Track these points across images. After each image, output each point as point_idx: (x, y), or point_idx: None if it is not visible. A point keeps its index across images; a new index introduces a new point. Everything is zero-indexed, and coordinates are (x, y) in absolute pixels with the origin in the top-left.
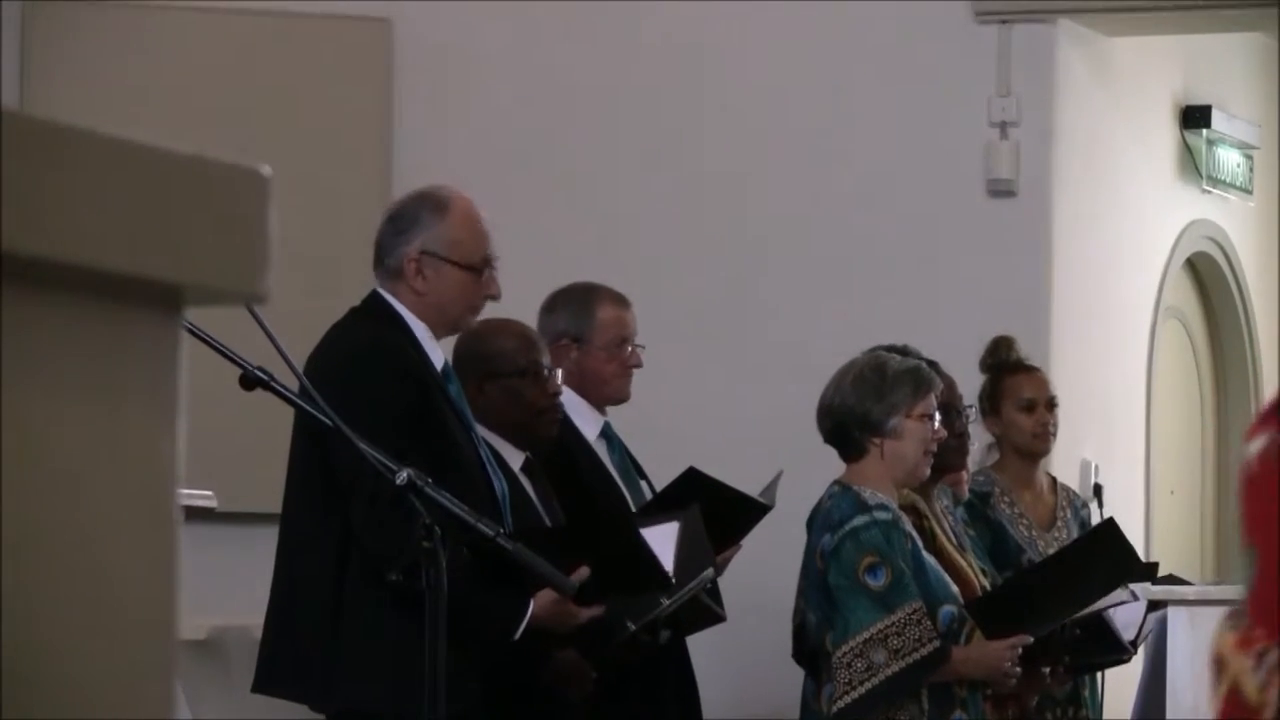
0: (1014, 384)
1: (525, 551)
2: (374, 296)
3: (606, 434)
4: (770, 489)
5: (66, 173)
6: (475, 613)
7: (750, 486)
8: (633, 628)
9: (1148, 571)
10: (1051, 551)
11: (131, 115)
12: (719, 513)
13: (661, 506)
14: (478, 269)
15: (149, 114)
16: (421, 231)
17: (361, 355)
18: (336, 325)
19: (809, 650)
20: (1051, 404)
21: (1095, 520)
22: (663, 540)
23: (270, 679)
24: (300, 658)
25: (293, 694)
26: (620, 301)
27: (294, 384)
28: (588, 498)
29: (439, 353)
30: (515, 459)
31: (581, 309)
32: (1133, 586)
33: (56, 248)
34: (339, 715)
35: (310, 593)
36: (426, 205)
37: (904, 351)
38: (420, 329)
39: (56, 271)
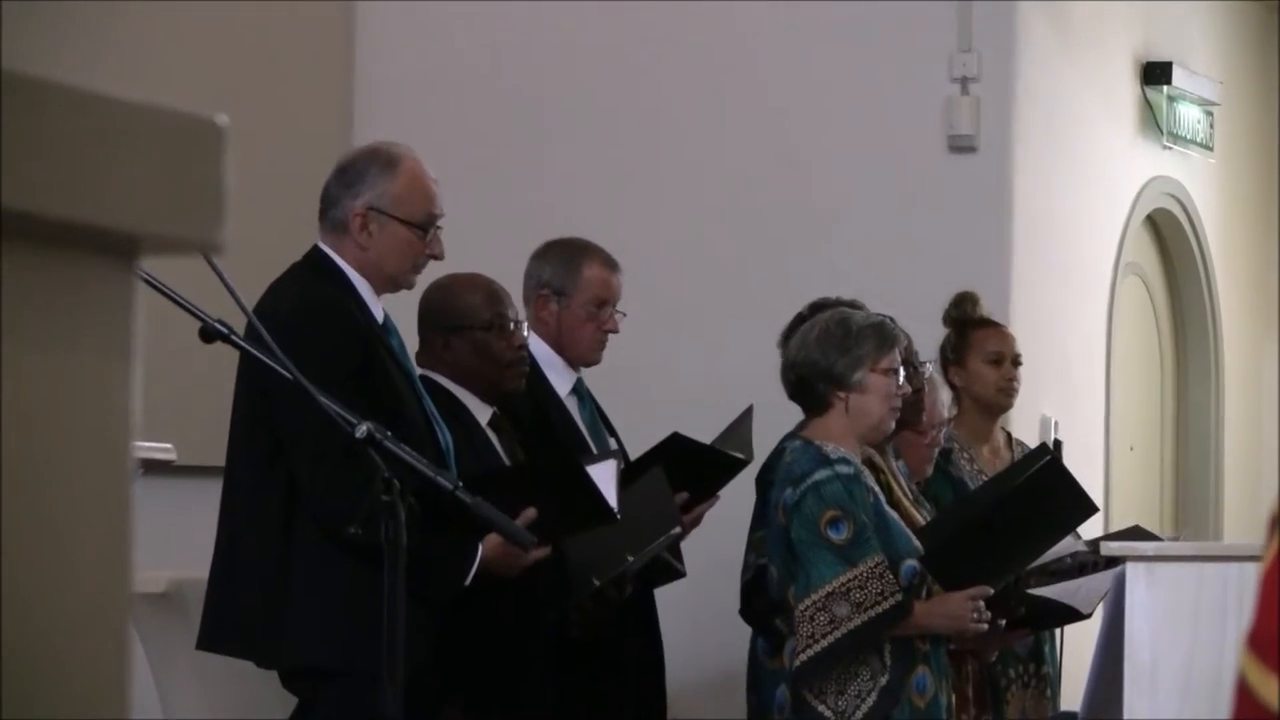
0: (981, 337)
1: (485, 505)
2: (316, 252)
3: (578, 390)
4: (743, 429)
5: (20, 121)
6: (424, 561)
7: (717, 433)
8: (598, 583)
9: (1090, 511)
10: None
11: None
12: (699, 471)
13: (643, 468)
14: (423, 227)
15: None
16: (369, 187)
17: (307, 312)
18: (278, 281)
19: (763, 607)
20: (1017, 360)
21: None
22: (604, 476)
23: (216, 636)
24: (247, 614)
25: (238, 651)
26: (609, 264)
27: (256, 340)
28: (550, 446)
29: (379, 307)
30: (482, 413)
31: (569, 264)
32: (1086, 544)
33: (10, 196)
34: (291, 673)
35: (256, 549)
36: (376, 161)
37: (852, 306)
38: (362, 284)
39: (10, 220)
